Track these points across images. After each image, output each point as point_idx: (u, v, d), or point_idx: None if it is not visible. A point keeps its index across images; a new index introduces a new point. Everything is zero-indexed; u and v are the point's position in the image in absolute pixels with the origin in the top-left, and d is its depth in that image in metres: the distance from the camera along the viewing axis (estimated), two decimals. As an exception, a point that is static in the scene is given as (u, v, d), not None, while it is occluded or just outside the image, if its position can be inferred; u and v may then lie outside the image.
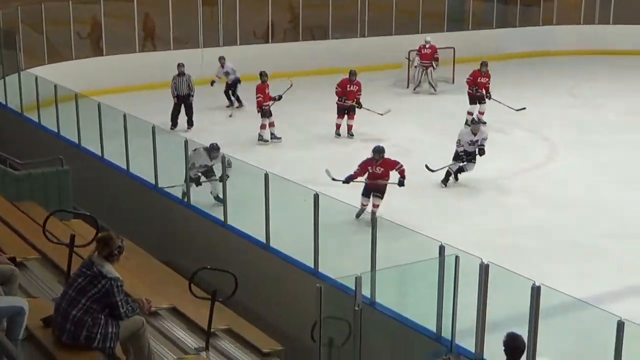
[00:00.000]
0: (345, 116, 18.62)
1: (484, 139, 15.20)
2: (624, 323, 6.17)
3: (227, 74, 20.99)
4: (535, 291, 6.82)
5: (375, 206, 13.00)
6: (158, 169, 12.73)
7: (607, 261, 11.95)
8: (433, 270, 7.98)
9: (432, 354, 7.91)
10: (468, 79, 19.65)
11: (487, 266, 7.50)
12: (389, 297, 8.95)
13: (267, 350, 8.87)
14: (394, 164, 13.30)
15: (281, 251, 10.63)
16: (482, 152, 15.15)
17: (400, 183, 13.19)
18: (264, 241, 10.74)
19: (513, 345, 6.65)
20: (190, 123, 19.22)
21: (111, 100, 18.24)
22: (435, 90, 23.49)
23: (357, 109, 18.60)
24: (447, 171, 15.10)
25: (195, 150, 13.22)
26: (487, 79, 19.48)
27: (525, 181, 15.71)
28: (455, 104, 20.96)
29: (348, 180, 13.09)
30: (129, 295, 7.01)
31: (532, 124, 19.30)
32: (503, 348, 6.74)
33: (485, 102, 19.45)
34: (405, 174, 13.27)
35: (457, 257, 7.63)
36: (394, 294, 9.62)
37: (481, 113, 19.27)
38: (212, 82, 21.18)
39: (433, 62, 23.41)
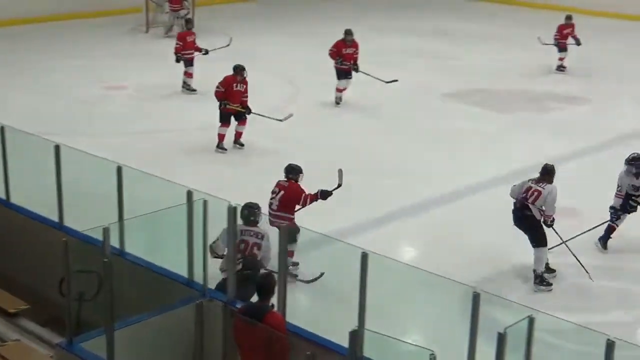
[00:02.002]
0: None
1: None
2: (367, 255, 6.45)
3: None
4: (283, 230, 6.99)
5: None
6: None
7: (350, 196, 12.36)
8: (182, 216, 7.97)
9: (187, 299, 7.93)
10: (331, 50, 17.06)
11: (234, 208, 7.59)
12: (139, 246, 8.86)
13: (14, 310, 8.61)
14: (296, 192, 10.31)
15: (23, 207, 10.20)
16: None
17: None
18: (4, 197, 10.27)
19: (263, 283, 6.81)
20: None
21: None
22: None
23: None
24: (610, 227, 11.30)
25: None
26: (355, 49, 17.06)
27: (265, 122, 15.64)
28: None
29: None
30: None
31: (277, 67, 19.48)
32: (256, 288, 6.87)
33: (351, 77, 17.18)
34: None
35: (205, 202, 7.65)
36: (145, 243, 9.54)
37: (341, 90, 17.25)
38: None
39: (184, 3, 23.55)
